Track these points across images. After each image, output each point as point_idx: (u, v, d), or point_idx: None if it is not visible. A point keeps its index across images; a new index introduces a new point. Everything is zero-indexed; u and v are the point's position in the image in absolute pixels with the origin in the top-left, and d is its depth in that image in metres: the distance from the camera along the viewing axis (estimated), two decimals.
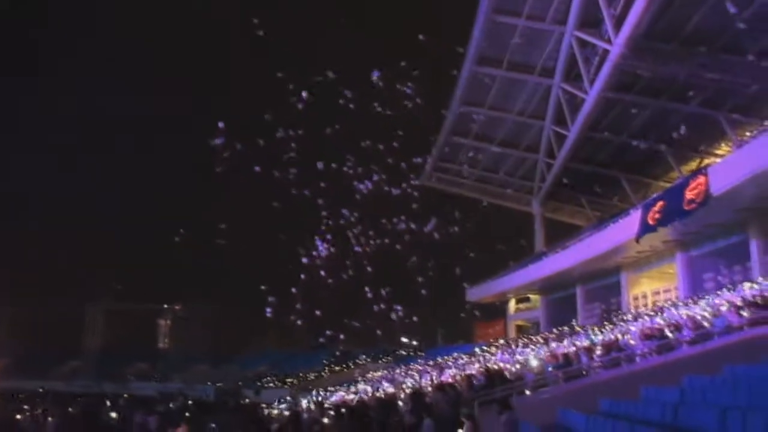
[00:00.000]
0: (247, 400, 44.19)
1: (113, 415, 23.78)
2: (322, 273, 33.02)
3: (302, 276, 33.11)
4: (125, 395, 46.77)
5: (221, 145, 27.60)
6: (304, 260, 32.22)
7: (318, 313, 35.81)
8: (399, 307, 36.06)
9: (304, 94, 28.23)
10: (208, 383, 59.49)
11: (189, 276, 76.04)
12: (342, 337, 51.14)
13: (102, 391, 51.84)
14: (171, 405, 32.81)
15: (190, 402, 37.36)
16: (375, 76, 29.03)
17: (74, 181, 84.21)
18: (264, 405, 34.52)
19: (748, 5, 24.68)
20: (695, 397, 9.57)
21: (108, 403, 31.90)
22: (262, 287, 34.25)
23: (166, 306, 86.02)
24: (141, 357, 73.45)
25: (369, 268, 34.08)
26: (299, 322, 37.61)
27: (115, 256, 79.36)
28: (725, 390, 9.15)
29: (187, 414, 23.49)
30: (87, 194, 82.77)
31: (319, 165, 30.18)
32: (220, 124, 27.62)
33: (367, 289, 34.04)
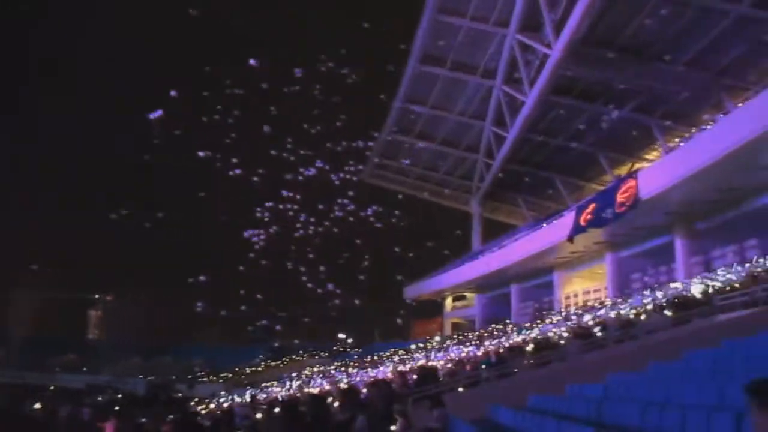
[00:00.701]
0: (179, 395, 43.25)
1: (37, 407, 22.71)
2: (262, 263, 32.55)
3: (241, 267, 32.55)
4: (51, 387, 44.93)
5: (159, 120, 26.29)
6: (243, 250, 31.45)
7: (256, 304, 35.18)
8: (337, 301, 35.79)
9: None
10: (140, 376, 57.80)
11: (123, 264, 73.41)
12: (278, 328, 50.42)
13: (25, 382, 49.56)
14: (99, 398, 31.75)
15: (119, 396, 36.27)
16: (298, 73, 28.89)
17: None
18: (197, 400, 33.83)
19: (679, 17, 25.53)
20: (618, 392, 9.84)
21: (32, 395, 30.58)
22: (198, 279, 33.35)
23: (97, 296, 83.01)
24: (69, 348, 70.54)
25: (309, 257, 33.68)
26: (237, 313, 36.90)
27: (43, 241, 75.41)
28: (646, 386, 9.45)
29: (116, 408, 22.68)
30: (9, 175, 78.35)
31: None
32: (172, 93, 26.36)
33: (305, 279, 33.54)
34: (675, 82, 28.54)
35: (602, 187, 35.25)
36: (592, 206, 26.56)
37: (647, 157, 36.53)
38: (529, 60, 33.35)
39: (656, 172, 24.03)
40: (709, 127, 22.71)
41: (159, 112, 25.58)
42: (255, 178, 30.56)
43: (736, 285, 16.05)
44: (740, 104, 21.82)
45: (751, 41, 24.89)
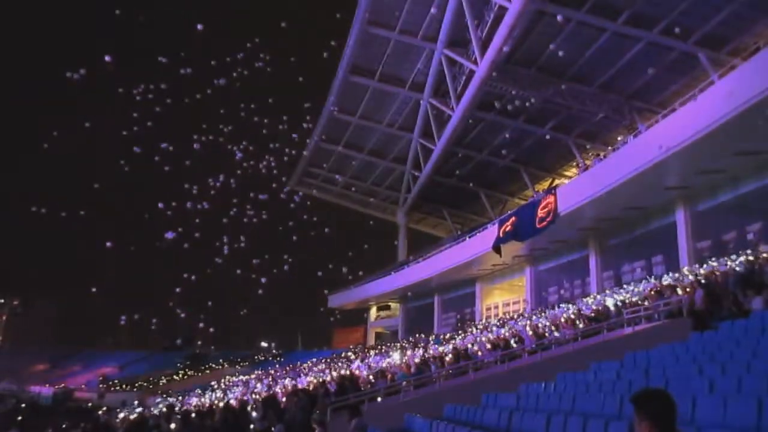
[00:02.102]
0: (89, 405, 41.65)
1: None
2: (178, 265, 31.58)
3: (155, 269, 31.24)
4: None
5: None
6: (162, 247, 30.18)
7: (170, 309, 34.02)
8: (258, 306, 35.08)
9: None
10: (45, 385, 55.17)
11: (29, 265, 69.59)
12: (199, 342, 49.27)
13: None
14: (0, 407, 30.15)
15: (23, 405, 34.55)
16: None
17: None
18: (105, 409, 32.66)
19: (594, 41, 26.79)
20: (529, 402, 10.28)
21: None
22: (108, 281, 32.10)
23: (2, 300, 78.64)
24: None
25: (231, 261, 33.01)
26: (153, 321, 35.68)
27: None
28: (555, 396, 9.91)
29: (19, 418, 21.67)
30: None
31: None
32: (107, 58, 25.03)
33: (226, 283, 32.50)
34: (591, 102, 29.88)
35: (524, 202, 36.81)
36: (512, 219, 27.61)
37: (566, 173, 37.97)
38: (455, 75, 34.02)
39: (572, 189, 24.96)
40: (621, 147, 23.75)
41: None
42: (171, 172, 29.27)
43: (641, 300, 16.90)
44: (649, 126, 22.96)
45: (659, 66, 26.32)
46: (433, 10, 31.12)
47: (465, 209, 47.44)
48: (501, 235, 27.68)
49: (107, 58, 24.73)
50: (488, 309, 38.78)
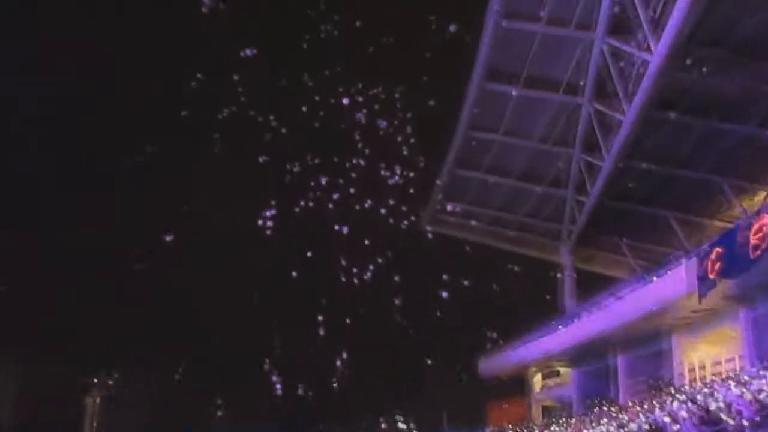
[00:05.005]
0: None
1: None
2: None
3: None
4: None
5: None
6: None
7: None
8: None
9: None
10: None
11: (126, 336, 73.09)
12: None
13: None
14: None
15: None
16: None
17: None
18: None
19: None
20: None
21: None
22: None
23: (95, 380, 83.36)
24: None
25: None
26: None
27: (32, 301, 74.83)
28: None
29: None
30: None
31: None
32: None
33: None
34: None
35: (728, 225, 34.37)
36: (717, 251, 26.10)
37: None
38: (623, 68, 33.34)
39: None
40: None
41: None
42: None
43: None
44: None
45: None
46: None
47: (649, 240, 45.36)
48: (705, 273, 26.30)
49: None
50: (691, 370, 36.00)
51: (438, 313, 36.10)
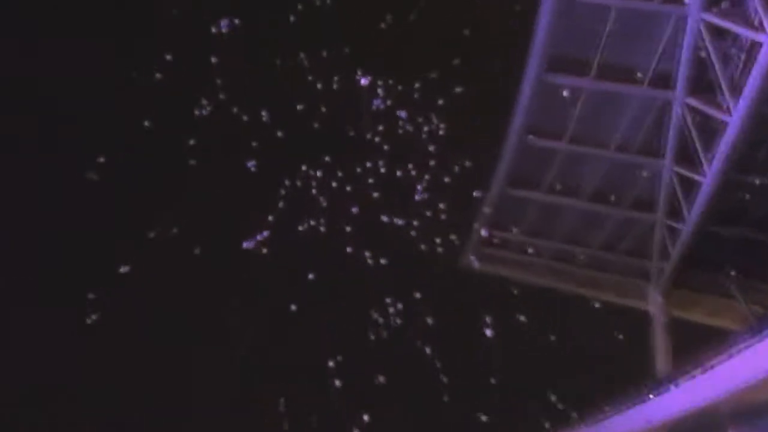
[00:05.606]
0: None
1: None
2: None
3: None
4: None
5: None
6: None
7: None
8: None
9: None
10: None
11: None
12: None
13: None
14: None
15: None
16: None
17: None
18: None
19: None
20: None
21: None
22: None
23: None
24: None
25: None
26: None
27: None
28: None
29: None
30: None
31: None
32: None
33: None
34: None
35: None
36: None
37: None
38: (726, 51, 30.17)
39: None
40: None
41: None
42: None
43: None
44: None
45: None
46: None
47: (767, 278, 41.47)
48: None
49: None
50: None
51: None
